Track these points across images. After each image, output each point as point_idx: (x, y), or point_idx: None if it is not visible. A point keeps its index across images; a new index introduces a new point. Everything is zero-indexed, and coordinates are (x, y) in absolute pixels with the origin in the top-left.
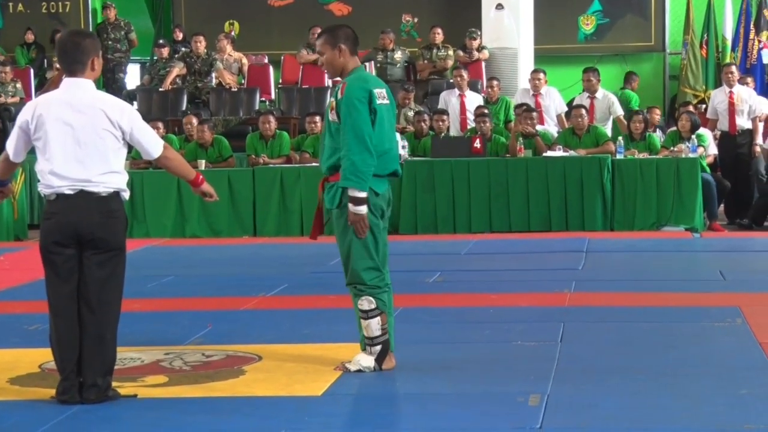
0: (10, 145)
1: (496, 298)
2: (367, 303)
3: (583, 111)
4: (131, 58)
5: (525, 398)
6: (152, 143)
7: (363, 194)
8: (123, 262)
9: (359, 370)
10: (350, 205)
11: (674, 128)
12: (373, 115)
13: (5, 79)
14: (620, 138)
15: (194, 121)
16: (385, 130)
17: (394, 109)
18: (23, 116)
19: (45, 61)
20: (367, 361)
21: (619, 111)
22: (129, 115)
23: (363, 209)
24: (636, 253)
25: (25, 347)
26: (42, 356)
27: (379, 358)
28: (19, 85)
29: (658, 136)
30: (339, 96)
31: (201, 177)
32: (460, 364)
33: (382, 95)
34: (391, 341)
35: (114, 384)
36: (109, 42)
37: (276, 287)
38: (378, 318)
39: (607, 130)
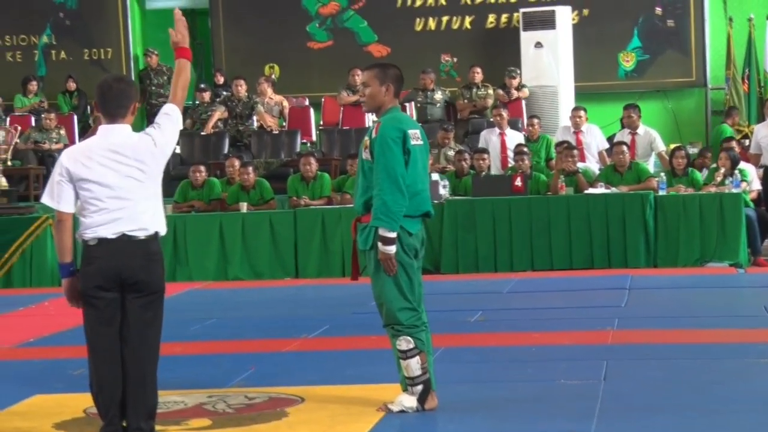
0: (59, 198)
1: (538, 336)
2: (405, 343)
3: (625, 147)
4: None
5: None
6: (177, 128)
7: (393, 234)
8: (163, 305)
9: (402, 411)
10: (379, 244)
11: (715, 164)
12: (406, 156)
13: (49, 125)
14: (662, 174)
15: (236, 163)
16: (419, 171)
17: (427, 150)
18: (64, 165)
19: (87, 107)
20: (409, 401)
21: (661, 147)
22: (159, 136)
23: (392, 249)
24: (680, 290)
25: (70, 392)
26: (86, 401)
27: (421, 398)
28: (63, 132)
29: (700, 173)
30: (373, 135)
31: (183, 52)
32: (502, 404)
33: (416, 136)
34: (432, 380)
35: (158, 428)
36: (153, 88)
37: (318, 328)
38: (417, 357)
39: (650, 166)
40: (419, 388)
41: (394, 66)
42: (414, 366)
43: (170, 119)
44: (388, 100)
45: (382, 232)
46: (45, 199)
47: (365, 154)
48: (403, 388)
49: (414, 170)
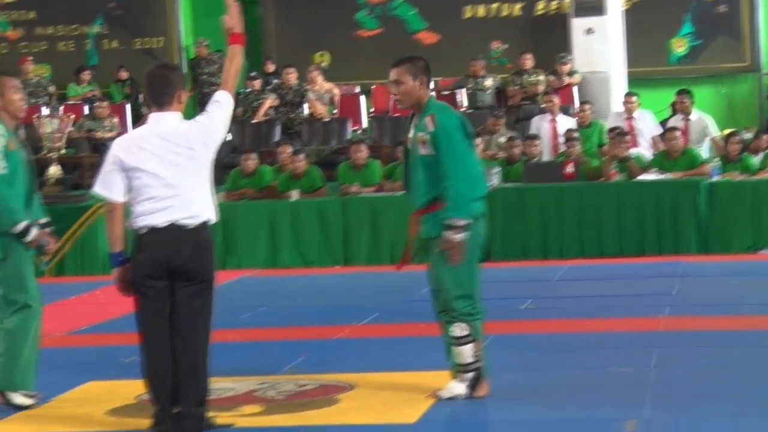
0: (110, 187)
1: (588, 324)
2: (459, 330)
3: (677, 133)
4: None
5: (620, 424)
6: (228, 116)
7: (465, 222)
8: (213, 293)
9: (452, 398)
10: (449, 233)
11: None
12: (469, 140)
13: (102, 114)
14: (715, 160)
15: (288, 150)
16: (475, 155)
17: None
18: (114, 154)
19: (139, 96)
20: (459, 388)
21: (714, 132)
22: (209, 124)
23: (463, 237)
24: (731, 277)
25: (122, 379)
26: (138, 388)
27: (472, 385)
28: (115, 120)
29: (756, 158)
30: (430, 128)
31: (235, 38)
32: (553, 391)
33: (468, 122)
34: (483, 368)
35: (210, 414)
36: (204, 76)
37: (368, 316)
38: (471, 345)
39: (703, 152)
40: (470, 375)
41: (420, 57)
42: (467, 353)
43: (220, 106)
44: (423, 93)
45: (454, 221)
46: (96, 189)
47: (423, 150)
48: (453, 375)
49: (475, 155)
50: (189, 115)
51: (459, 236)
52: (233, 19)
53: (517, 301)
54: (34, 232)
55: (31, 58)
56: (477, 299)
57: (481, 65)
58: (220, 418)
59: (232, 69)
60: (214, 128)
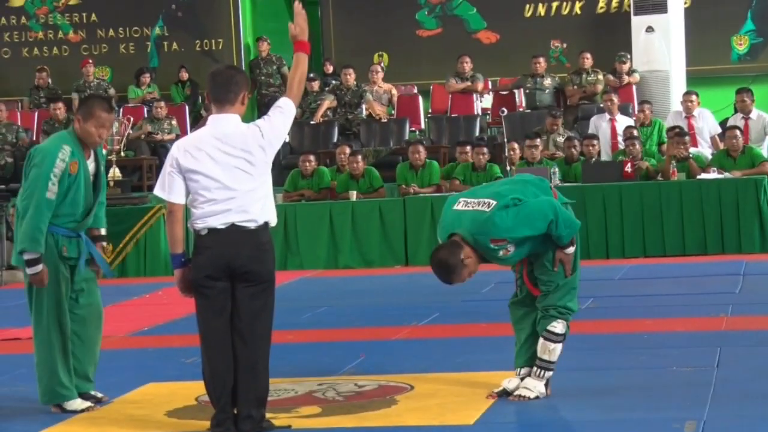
0: (170, 189)
1: (651, 323)
2: (561, 327)
3: (738, 132)
4: None
5: (681, 425)
6: (288, 123)
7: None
8: (273, 293)
9: (536, 397)
10: (567, 248)
11: None
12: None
13: (161, 115)
14: None
15: (347, 151)
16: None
17: None
18: (174, 156)
19: (199, 97)
20: (541, 386)
21: None
22: (268, 129)
23: (573, 249)
24: None
25: (182, 380)
26: (198, 389)
27: (547, 384)
28: (174, 122)
29: None
30: None
31: (301, 46)
32: (615, 391)
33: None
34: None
35: (268, 415)
36: (262, 77)
37: (428, 316)
38: (562, 344)
39: (763, 150)
40: (550, 373)
41: None
42: (558, 351)
43: (282, 112)
44: None
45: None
46: (157, 191)
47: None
48: (517, 366)
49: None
50: (248, 117)
51: (572, 249)
52: (300, 26)
53: (579, 300)
54: (39, 268)
55: (92, 60)
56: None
57: (542, 64)
58: (279, 419)
59: (297, 76)
60: (274, 134)
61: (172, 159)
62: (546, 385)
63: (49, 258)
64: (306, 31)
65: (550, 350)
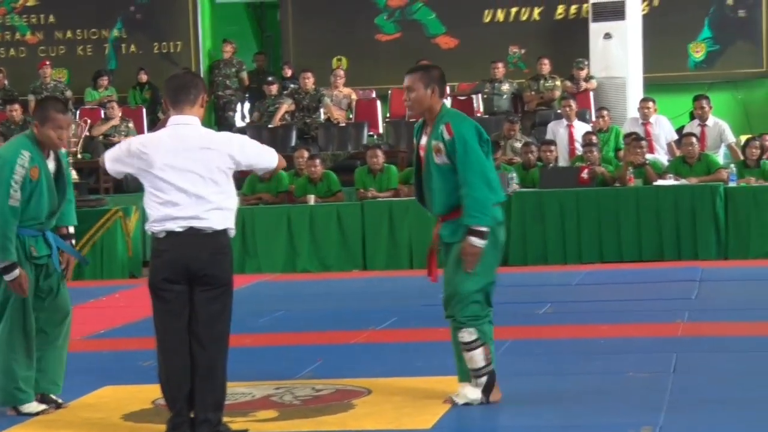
0: (113, 162)
1: (607, 328)
2: (468, 335)
3: (694, 139)
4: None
5: (637, 430)
6: (266, 159)
7: (486, 228)
8: (231, 297)
9: (467, 403)
10: (471, 238)
11: None
12: (486, 147)
13: (113, 115)
14: (732, 165)
15: (305, 155)
16: (492, 162)
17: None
18: (131, 144)
19: (161, 102)
20: (474, 393)
21: (731, 138)
22: (238, 143)
23: (482, 243)
24: (751, 282)
25: (139, 383)
26: (155, 392)
27: (486, 390)
28: (131, 125)
29: None
30: (446, 137)
31: None
32: (571, 396)
33: (483, 130)
34: (494, 372)
35: (225, 419)
36: (220, 78)
37: (386, 320)
38: (482, 348)
39: (719, 157)
40: (484, 379)
41: (436, 67)
42: (478, 357)
43: (262, 147)
44: (435, 102)
45: (477, 227)
46: (107, 161)
47: (439, 158)
48: (460, 380)
49: (492, 161)
50: (204, 120)
51: (480, 242)
52: None
53: (535, 305)
54: (16, 273)
55: (49, 62)
56: (488, 304)
57: (501, 69)
58: (236, 423)
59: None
60: (241, 152)
61: (130, 146)
62: (488, 390)
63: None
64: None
65: (469, 359)
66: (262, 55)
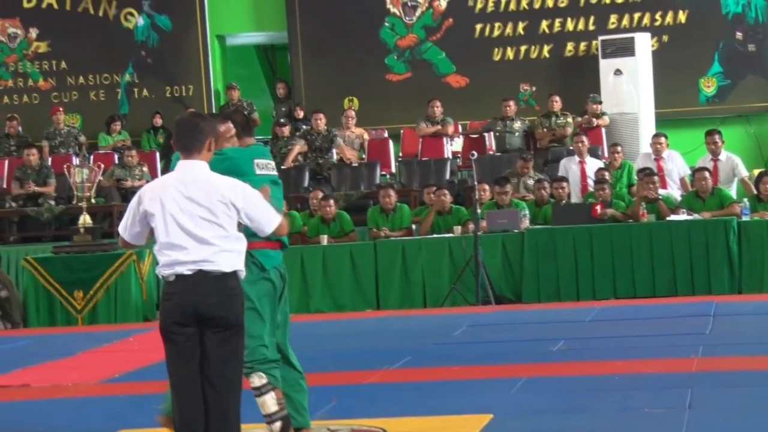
0: (130, 229)
1: (621, 365)
2: (258, 379)
3: (707, 174)
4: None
5: None
6: (266, 219)
7: None
8: (243, 339)
9: None
10: None
11: None
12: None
13: (132, 162)
14: (745, 199)
15: (318, 195)
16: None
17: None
18: (139, 198)
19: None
20: None
21: (744, 172)
22: (242, 192)
23: None
24: (765, 316)
25: (154, 427)
26: None
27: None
28: (145, 169)
29: None
30: None
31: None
32: None
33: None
34: (306, 418)
35: None
36: None
37: (400, 360)
38: (272, 393)
39: (732, 192)
40: (278, 425)
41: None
42: (270, 402)
43: (264, 213)
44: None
45: None
46: (120, 228)
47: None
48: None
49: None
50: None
51: None
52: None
53: (549, 342)
54: None
55: (62, 107)
56: (272, 346)
57: (512, 107)
58: None
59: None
60: (243, 201)
61: (137, 200)
62: None
63: None
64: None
65: (261, 404)
66: (284, 83)
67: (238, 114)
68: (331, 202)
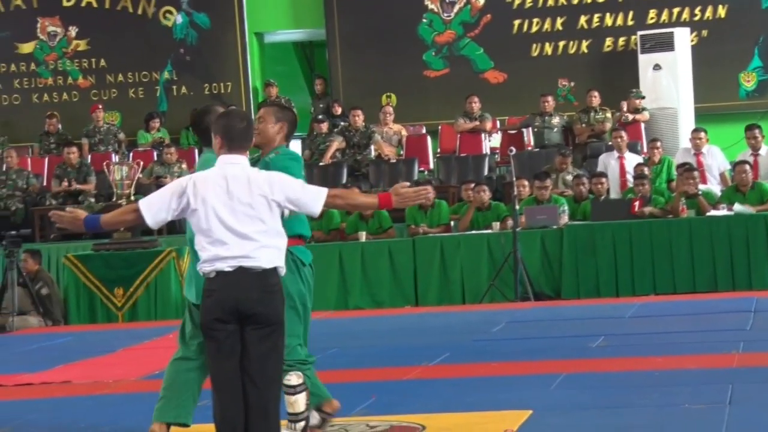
0: (152, 207)
1: (661, 361)
2: (296, 378)
3: (747, 168)
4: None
5: None
6: (310, 198)
7: None
8: (283, 336)
9: None
10: None
11: None
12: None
13: (170, 160)
14: None
15: (356, 192)
16: None
17: None
18: (181, 184)
19: None
20: None
21: None
22: (279, 183)
23: None
24: None
25: (194, 423)
26: None
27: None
28: (184, 166)
29: None
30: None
31: (386, 198)
32: (627, 429)
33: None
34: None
35: None
36: None
37: (439, 356)
38: (305, 393)
39: None
40: (302, 424)
41: (292, 110)
42: (302, 402)
43: (315, 190)
44: (279, 139)
45: None
46: (141, 202)
47: None
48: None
49: None
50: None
51: None
52: (407, 197)
53: (589, 338)
54: None
55: (101, 105)
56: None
57: (551, 101)
58: None
59: (358, 200)
60: (282, 190)
61: (179, 186)
62: None
63: None
64: (406, 202)
65: (293, 402)
66: (322, 80)
67: (290, 113)
68: None
